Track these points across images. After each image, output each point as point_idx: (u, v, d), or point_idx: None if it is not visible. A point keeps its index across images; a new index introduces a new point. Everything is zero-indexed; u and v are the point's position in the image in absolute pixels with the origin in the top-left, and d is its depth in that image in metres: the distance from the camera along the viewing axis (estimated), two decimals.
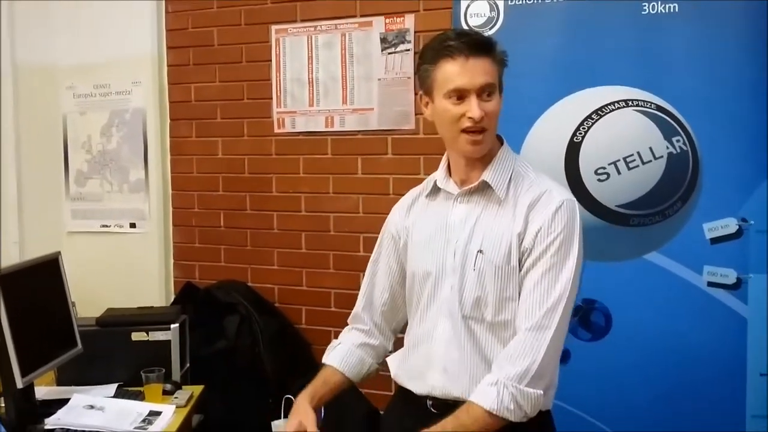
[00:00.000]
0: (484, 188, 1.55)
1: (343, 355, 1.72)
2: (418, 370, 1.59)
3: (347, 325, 1.80)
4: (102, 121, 3.41)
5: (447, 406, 1.54)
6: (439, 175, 1.63)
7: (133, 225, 3.39)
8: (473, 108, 1.47)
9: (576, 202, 1.53)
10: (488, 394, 1.43)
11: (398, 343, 1.76)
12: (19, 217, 3.37)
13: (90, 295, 3.02)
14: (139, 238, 3.38)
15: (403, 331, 1.72)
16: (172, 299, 3.28)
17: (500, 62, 1.53)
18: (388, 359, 1.71)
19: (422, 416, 1.57)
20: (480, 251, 1.52)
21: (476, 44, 1.49)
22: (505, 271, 1.50)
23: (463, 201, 1.58)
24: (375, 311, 1.74)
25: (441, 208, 1.62)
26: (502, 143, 1.60)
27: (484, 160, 1.56)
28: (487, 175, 1.54)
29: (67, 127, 3.46)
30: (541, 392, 1.45)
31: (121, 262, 3.38)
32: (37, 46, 3.40)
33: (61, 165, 3.47)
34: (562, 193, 1.53)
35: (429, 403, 1.58)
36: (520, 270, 1.50)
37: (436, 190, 1.63)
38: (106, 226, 3.43)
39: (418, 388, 1.59)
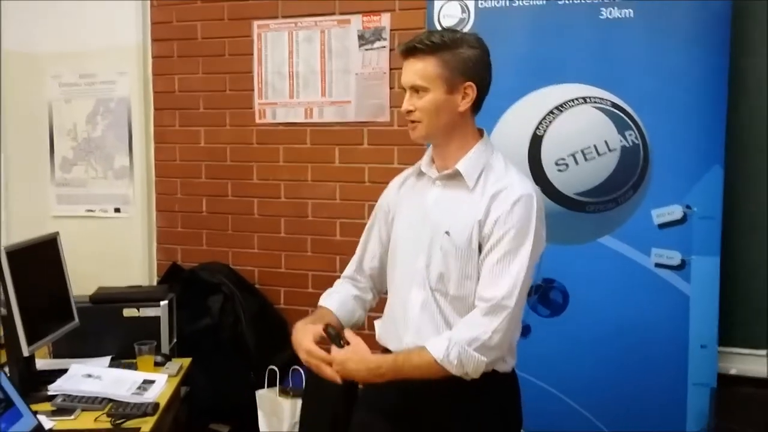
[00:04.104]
0: (458, 176, 1.75)
1: (341, 301, 1.91)
2: (396, 332, 1.80)
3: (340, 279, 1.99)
4: (87, 109, 3.51)
5: None
6: (423, 161, 1.84)
7: (117, 210, 3.50)
8: (404, 102, 1.73)
9: (534, 197, 1.67)
10: (439, 345, 1.63)
11: (381, 303, 1.95)
12: (4, 201, 3.44)
13: (75, 276, 3.10)
14: (123, 222, 3.49)
15: (386, 292, 1.93)
16: (155, 281, 3.41)
17: (446, 62, 1.68)
18: (375, 323, 1.91)
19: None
20: (447, 232, 1.72)
21: (408, 50, 1.70)
22: (466, 253, 1.70)
23: (440, 185, 1.79)
24: (365, 273, 1.95)
25: (422, 189, 1.82)
26: (481, 136, 1.79)
27: (461, 150, 1.75)
28: (461, 165, 1.74)
29: (53, 115, 3.54)
30: (485, 359, 1.64)
31: (106, 245, 3.48)
32: (23, 34, 3.45)
33: (47, 151, 3.56)
34: (523, 188, 1.70)
35: None
36: (480, 253, 1.70)
37: (421, 172, 1.84)
38: (91, 210, 3.53)
39: (395, 347, 1.80)
